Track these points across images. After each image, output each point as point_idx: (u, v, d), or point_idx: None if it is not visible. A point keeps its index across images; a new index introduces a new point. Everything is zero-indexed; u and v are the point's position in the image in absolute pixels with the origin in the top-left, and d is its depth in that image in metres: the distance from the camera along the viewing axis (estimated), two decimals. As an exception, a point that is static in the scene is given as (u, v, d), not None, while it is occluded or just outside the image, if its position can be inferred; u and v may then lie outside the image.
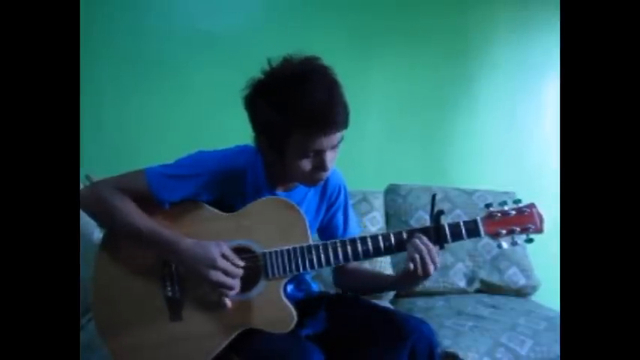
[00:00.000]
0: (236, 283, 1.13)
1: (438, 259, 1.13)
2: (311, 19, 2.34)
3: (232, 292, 1.13)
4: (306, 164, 1.13)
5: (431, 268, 1.12)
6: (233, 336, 1.16)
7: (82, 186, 1.30)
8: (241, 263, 1.14)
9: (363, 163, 2.37)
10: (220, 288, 1.13)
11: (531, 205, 1.20)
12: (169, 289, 1.18)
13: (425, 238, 1.14)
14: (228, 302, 1.14)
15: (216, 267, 1.11)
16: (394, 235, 1.17)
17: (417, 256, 1.12)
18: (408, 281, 1.21)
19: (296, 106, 1.07)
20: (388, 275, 1.27)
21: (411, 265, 1.12)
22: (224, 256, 1.13)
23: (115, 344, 1.19)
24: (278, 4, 2.35)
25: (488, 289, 2.07)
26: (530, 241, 1.19)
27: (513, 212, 1.18)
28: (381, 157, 2.45)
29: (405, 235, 1.16)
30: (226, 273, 1.12)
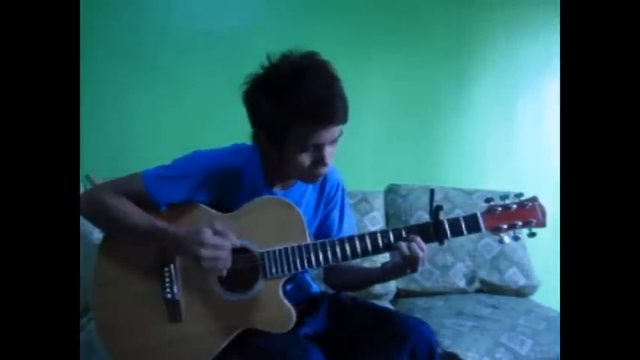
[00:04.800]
0: (226, 255, 1.08)
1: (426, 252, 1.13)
2: (309, 19, 2.34)
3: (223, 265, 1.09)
4: (306, 159, 1.13)
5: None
6: (232, 336, 1.16)
7: (81, 186, 1.30)
8: (235, 240, 1.10)
9: (363, 163, 2.37)
10: (214, 264, 1.08)
11: (533, 199, 1.18)
12: (168, 290, 1.17)
13: (419, 239, 1.13)
14: (224, 272, 1.10)
15: (204, 244, 1.06)
16: (392, 232, 1.16)
17: (408, 254, 1.11)
18: (396, 275, 1.21)
19: (295, 100, 1.07)
20: (376, 268, 1.26)
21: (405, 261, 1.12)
22: (215, 232, 1.08)
23: (114, 346, 1.18)
24: (276, 3, 2.35)
25: (488, 289, 2.07)
26: (532, 235, 1.17)
27: (515, 206, 1.17)
28: (380, 157, 2.44)
29: (403, 233, 1.15)
30: (217, 248, 1.07)
